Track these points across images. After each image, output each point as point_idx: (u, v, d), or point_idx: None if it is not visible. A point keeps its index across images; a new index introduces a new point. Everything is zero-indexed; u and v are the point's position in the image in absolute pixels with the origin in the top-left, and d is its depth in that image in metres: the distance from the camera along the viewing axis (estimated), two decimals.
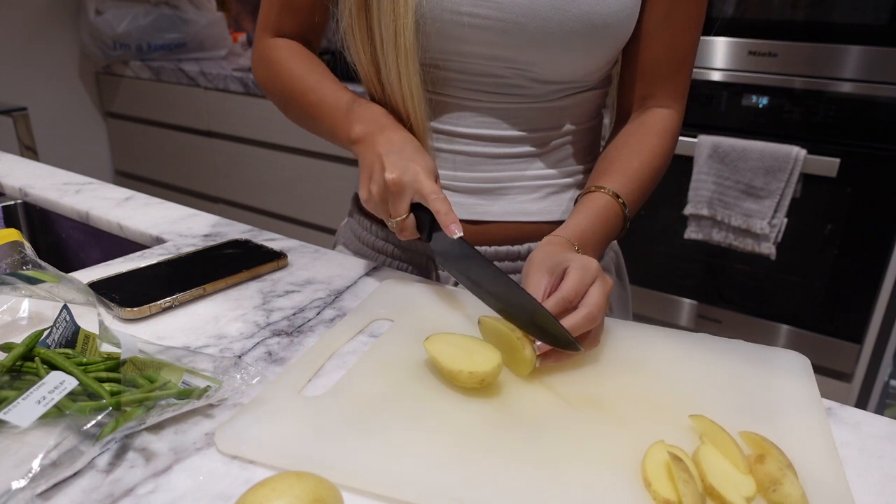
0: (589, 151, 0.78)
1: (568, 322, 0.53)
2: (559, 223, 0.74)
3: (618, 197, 0.66)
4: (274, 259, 0.74)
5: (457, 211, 0.73)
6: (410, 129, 0.68)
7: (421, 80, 0.66)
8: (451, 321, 0.62)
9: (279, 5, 0.77)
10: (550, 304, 0.53)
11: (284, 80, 0.75)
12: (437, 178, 0.63)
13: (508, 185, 0.73)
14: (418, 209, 0.62)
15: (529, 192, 0.73)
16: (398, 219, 0.62)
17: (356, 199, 0.84)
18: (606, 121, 0.80)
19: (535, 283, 0.56)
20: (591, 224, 0.65)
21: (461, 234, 0.59)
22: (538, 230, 0.74)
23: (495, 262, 0.74)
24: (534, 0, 0.62)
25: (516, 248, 0.74)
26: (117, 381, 0.47)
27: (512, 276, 0.74)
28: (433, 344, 0.52)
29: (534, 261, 0.58)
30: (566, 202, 0.75)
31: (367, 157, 0.65)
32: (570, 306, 0.53)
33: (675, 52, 0.70)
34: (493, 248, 0.74)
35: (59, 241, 0.98)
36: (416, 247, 0.76)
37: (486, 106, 0.70)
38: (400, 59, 0.64)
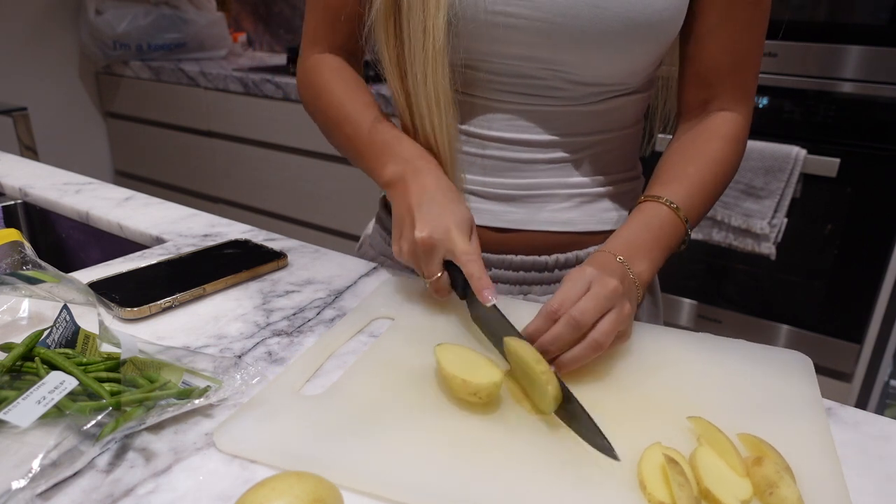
0: (627, 159, 0.74)
1: (549, 334, 0.52)
2: (592, 234, 0.72)
3: (671, 203, 0.63)
4: (274, 259, 0.74)
5: (485, 217, 0.71)
6: (435, 138, 0.65)
7: (450, 83, 0.63)
8: (451, 320, 0.62)
9: (324, 17, 0.74)
10: (537, 321, 0.53)
11: (324, 107, 0.73)
12: (472, 231, 0.60)
13: (540, 193, 0.70)
14: (453, 266, 0.60)
15: (562, 200, 0.70)
16: (432, 279, 0.60)
17: (384, 200, 0.81)
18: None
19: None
20: (636, 233, 0.61)
21: (495, 300, 0.56)
22: (570, 241, 0.71)
23: (521, 272, 0.72)
24: None
25: (543, 258, 0.71)
26: (117, 381, 0.47)
27: (532, 288, 0.72)
28: (444, 349, 0.51)
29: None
30: (601, 212, 0.72)
31: (399, 209, 0.63)
32: (556, 317, 0.52)
33: (736, 53, 0.65)
34: (520, 258, 0.71)
35: (59, 241, 0.98)
36: None
37: (520, 109, 0.67)
38: (427, 62, 0.62)
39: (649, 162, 0.76)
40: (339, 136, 0.72)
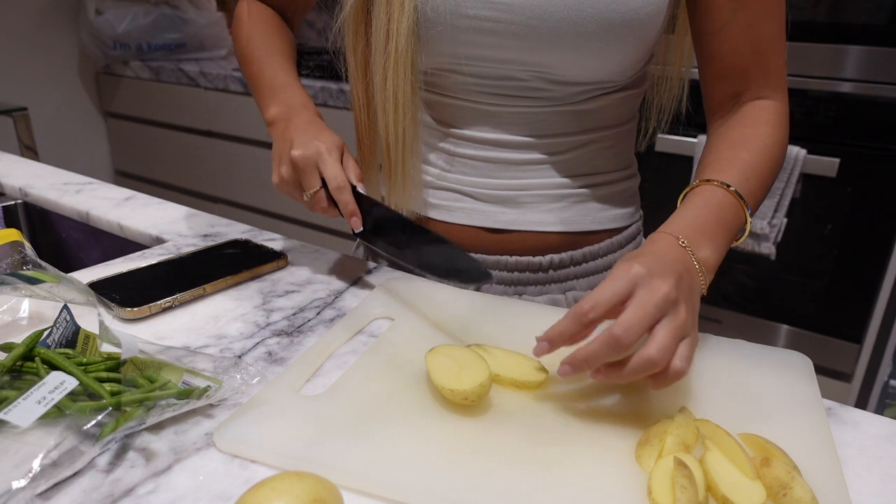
0: (621, 157, 0.73)
1: (584, 352, 0.45)
2: (586, 234, 0.71)
3: (728, 186, 0.57)
4: (274, 259, 0.74)
5: (478, 218, 0.71)
6: (388, 137, 0.67)
7: (413, 86, 0.64)
8: (450, 320, 0.62)
9: None
10: (565, 322, 0.46)
11: (240, 45, 0.77)
12: (343, 153, 0.65)
13: (531, 193, 0.70)
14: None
15: (554, 200, 0.70)
16: (311, 191, 0.63)
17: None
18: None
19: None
20: (699, 213, 0.54)
21: (361, 229, 0.64)
22: (564, 241, 0.71)
23: (516, 273, 0.72)
24: (546, 0, 0.59)
25: (538, 259, 0.71)
26: (117, 381, 0.47)
27: (527, 289, 0.73)
28: (433, 355, 0.51)
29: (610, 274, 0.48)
30: (594, 211, 0.72)
31: (278, 142, 0.66)
32: (585, 320, 0.45)
33: (758, 41, 0.63)
34: (514, 259, 0.71)
35: (59, 241, 0.98)
36: None
37: (506, 111, 0.67)
38: (389, 65, 0.62)
39: (645, 160, 0.76)
40: (247, 74, 0.76)
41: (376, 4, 0.62)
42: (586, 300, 0.45)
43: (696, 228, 0.53)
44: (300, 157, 0.62)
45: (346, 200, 0.63)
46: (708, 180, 0.57)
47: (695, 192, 0.57)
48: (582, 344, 0.46)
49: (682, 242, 0.51)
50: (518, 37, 0.61)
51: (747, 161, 0.60)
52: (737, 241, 0.58)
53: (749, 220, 0.58)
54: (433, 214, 0.72)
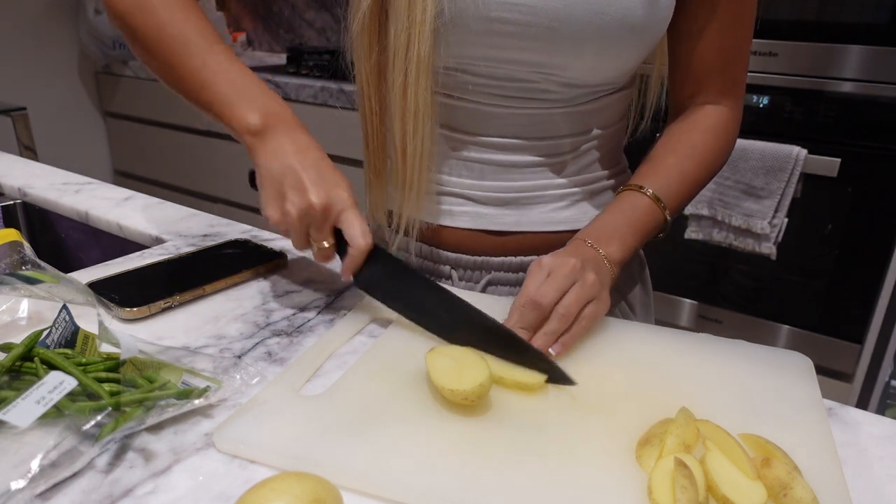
0: (614, 155, 0.75)
1: (517, 321, 0.55)
2: None
3: (647, 192, 0.66)
4: (274, 259, 0.74)
5: (481, 221, 0.71)
6: (406, 145, 0.64)
7: (433, 95, 0.62)
8: None
9: None
10: (510, 318, 0.56)
11: (159, 22, 0.63)
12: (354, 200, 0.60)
13: (535, 195, 0.70)
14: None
15: (555, 200, 0.71)
16: (325, 246, 0.59)
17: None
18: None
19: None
20: (609, 218, 0.65)
21: (349, 280, 0.60)
22: (562, 239, 0.70)
23: (520, 273, 0.72)
24: (570, 4, 0.59)
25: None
26: (117, 381, 0.47)
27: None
28: (433, 356, 0.51)
29: None
30: (592, 208, 0.73)
31: (274, 166, 0.59)
32: (539, 307, 0.55)
33: (725, 49, 0.68)
34: (518, 259, 0.71)
35: (58, 241, 0.98)
36: (436, 255, 0.74)
37: (512, 112, 0.67)
38: (410, 71, 0.61)
39: (633, 154, 0.77)
40: (181, 62, 0.63)
41: (394, 8, 0.60)
42: (519, 298, 0.56)
43: (605, 231, 0.63)
44: (322, 207, 0.56)
45: (359, 264, 0.59)
46: (633, 186, 0.66)
47: (618, 198, 0.67)
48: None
49: (589, 243, 0.61)
50: (538, 39, 0.61)
51: (672, 167, 0.68)
52: (658, 236, 0.68)
53: (668, 220, 0.67)
54: (435, 220, 0.72)
